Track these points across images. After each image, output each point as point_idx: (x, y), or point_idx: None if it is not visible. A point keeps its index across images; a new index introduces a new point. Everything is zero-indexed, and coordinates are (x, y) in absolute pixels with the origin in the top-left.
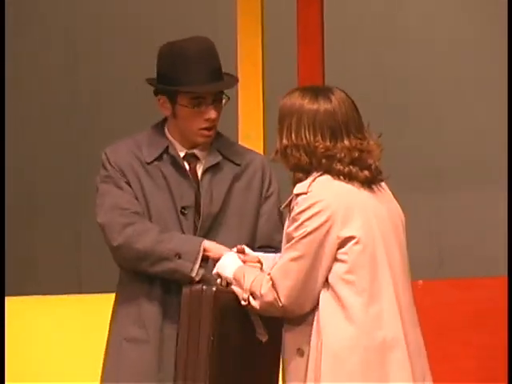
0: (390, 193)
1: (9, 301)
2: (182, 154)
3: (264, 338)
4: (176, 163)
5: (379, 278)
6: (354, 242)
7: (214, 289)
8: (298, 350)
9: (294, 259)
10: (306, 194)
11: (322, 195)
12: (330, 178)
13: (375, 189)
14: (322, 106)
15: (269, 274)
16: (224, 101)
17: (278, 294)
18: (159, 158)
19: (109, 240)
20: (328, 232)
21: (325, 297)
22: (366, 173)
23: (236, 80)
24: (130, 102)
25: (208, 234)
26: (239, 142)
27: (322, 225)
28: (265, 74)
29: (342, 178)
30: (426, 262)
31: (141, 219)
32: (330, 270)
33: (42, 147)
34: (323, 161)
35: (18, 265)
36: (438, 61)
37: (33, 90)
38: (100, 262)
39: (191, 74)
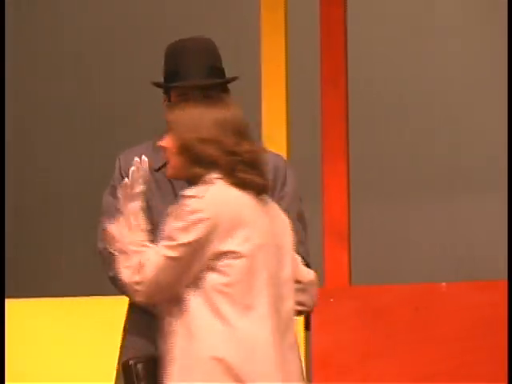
0: (275, 204)
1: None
2: None
3: None
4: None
5: (255, 291)
6: (235, 256)
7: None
8: None
9: (171, 259)
10: (199, 197)
11: (213, 203)
12: (225, 184)
13: (264, 199)
14: (223, 111)
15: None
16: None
17: (142, 278)
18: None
19: (105, 269)
20: (209, 243)
21: (197, 303)
22: (261, 180)
23: (226, 80)
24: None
25: None
26: (262, 143)
27: (205, 235)
28: (288, 75)
29: (238, 184)
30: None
31: None
32: (201, 278)
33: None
34: (227, 158)
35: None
36: (453, 65)
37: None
38: None
39: (181, 71)
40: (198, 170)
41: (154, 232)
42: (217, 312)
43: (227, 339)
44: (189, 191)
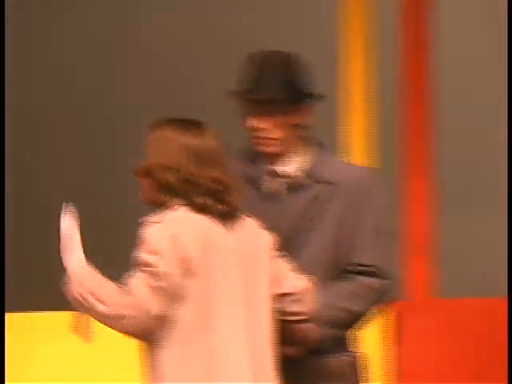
0: (253, 226)
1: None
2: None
3: None
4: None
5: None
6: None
7: None
8: None
9: (152, 288)
10: (160, 223)
11: (172, 230)
12: (187, 209)
13: (231, 224)
14: (193, 138)
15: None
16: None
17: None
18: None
19: None
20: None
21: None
22: (222, 207)
23: (282, 99)
24: None
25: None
26: (342, 156)
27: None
28: (368, 86)
29: (198, 210)
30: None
31: None
32: None
33: None
34: (188, 187)
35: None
36: None
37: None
38: None
39: (245, 82)
40: (162, 197)
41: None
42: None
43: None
44: (149, 218)
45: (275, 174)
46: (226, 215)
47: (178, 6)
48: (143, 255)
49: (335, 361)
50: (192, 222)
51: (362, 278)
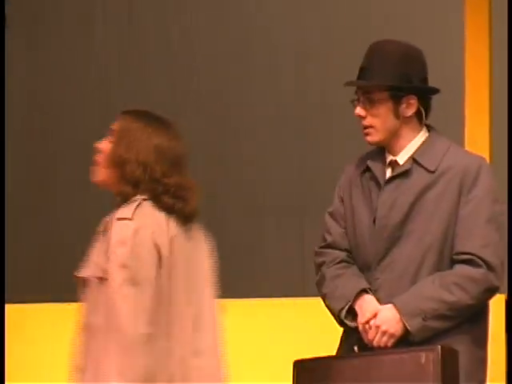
0: (200, 230)
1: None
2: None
3: None
4: (372, 172)
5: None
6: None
7: None
8: None
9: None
10: (129, 219)
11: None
12: (153, 206)
13: (190, 228)
14: (167, 139)
15: None
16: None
17: None
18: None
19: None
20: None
21: None
22: (186, 210)
23: (378, 84)
24: None
25: (391, 245)
26: (465, 148)
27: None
28: (492, 79)
29: (163, 208)
30: None
31: (331, 257)
32: None
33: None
34: (155, 185)
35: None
36: None
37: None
38: None
39: (361, 70)
40: (126, 188)
41: (354, 234)
42: None
43: None
44: (119, 214)
45: (389, 164)
46: (189, 217)
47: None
48: (118, 251)
49: (413, 356)
50: (161, 219)
51: (462, 268)
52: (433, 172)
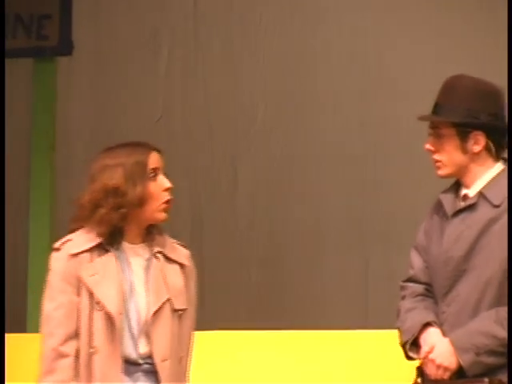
0: None
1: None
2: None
3: None
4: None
5: None
6: None
7: None
8: None
9: None
10: None
11: None
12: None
13: None
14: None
15: None
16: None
17: None
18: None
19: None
20: None
21: None
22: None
23: (444, 120)
24: None
25: (457, 279)
26: None
27: None
28: None
29: None
30: None
31: (410, 290)
32: None
33: None
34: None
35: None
36: None
37: None
38: (388, 295)
39: (435, 105)
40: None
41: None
42: None
43: None
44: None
45: (462, 197)
46: None
47: None
48: None
49: None
50: None
51: None
52: (498, 206)
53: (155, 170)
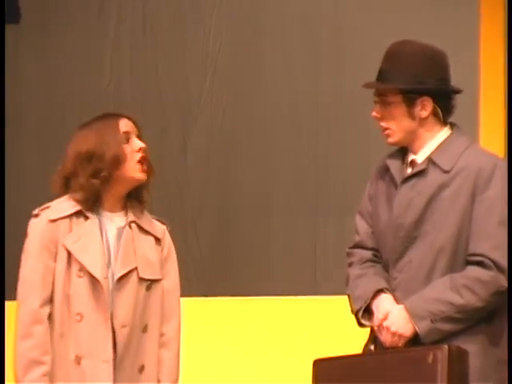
0: None
1: (244, 301)
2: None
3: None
4: (390, 171)
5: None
6: None
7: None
8: None
9: None
10: None
11: None
12: None
13: None
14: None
15: None
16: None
17: None
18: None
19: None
20: None
21: None
22: None
23: (390, 87)
24: None
25: (408, 245)
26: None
27: None
28: (507, 80)
29: None
30: None
31: (358, 257)
32: None
33: None
34: None
35: (252, 265)
36: None
37: None
38: (336, 263)
39: (379, 72)
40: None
41: (377, 233)
42: None
43: None
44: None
45: (410, 163)
46: None
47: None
48: None
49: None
50: None
51: (472, 269)
52: (448, 172)
53: (127, 134)
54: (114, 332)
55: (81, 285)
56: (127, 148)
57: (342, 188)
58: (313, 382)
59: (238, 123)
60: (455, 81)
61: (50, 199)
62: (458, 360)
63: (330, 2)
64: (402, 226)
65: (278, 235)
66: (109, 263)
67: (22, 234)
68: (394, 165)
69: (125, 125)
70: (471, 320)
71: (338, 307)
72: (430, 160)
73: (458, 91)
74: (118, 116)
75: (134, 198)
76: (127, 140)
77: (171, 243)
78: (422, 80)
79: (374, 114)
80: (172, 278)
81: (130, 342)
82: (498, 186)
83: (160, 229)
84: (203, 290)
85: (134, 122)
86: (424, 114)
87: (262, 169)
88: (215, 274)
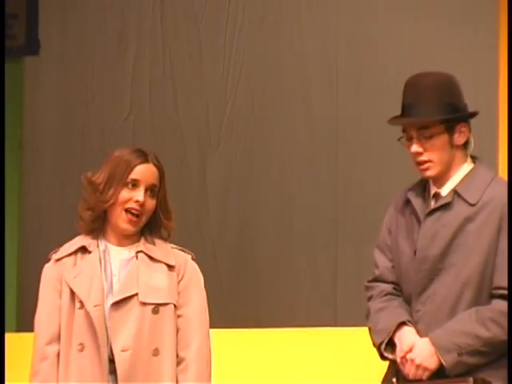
0: None
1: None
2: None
3: None
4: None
5: None
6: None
7: None
8: None
9: None
10: None
11: None
12: None
13: None
14: None
15: None
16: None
17: None
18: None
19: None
20: None
21: None
22: None
23: (435, 119)
24: None
25: (432, 277)
26: (499, 175)
27: None
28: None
29: None
30: None
31: (378, 290)
32: None
33: None
34: None
35: (272, 296)
36: None
37: None
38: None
39: (405, 107)
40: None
41: (399, 266)
42: None
43: None
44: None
45: (433, 196)
46: None
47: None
48: None
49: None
50: None
51: (498, 303)
52: (474, 205)
53: (135, 181)
54: (114, 357)
55: (81, 316)
56: (124, 194)
57: (362, 216)
58: None
59: (257, 153)
60: (474, 107)
61: (67, 234)
62: None
63: (348, 26)
64: (426, 258)
65: (298, 265)
66: (110, 293)
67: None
68: (415, 198)
69: (141, 172)
70: (496, 353)
71: (358, 338)
72: (455, 193)
73: (476, 115)
74: (144, 159)
75: (150, 230)
76: (133, 187)
77: (195, 272)
78: (456, 107)
79: (414, 149)
80: (193, 305)
81: (136, 365)
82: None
83: (179, 257)
84: (222, 321)
85: (159, 170)
86: (462, 140)
87: (281, 198)
88: (234, 305)
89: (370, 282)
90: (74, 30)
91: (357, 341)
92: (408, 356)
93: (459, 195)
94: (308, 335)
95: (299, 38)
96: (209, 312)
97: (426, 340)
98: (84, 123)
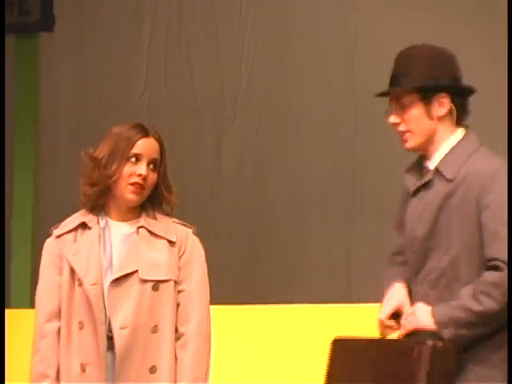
0: None
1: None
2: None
3: None
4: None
5: None
6: None
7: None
8: None
9: None
10: None
11: None
12: None
13: None
14: None
15: None
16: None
17: None
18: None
19: None
20: None
21: None
22: None
23: (405, 88)
24: None
25: (425, 257)
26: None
27: None
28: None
29: None
30: None
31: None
32: None
33: None
34: None
35: (286, 272)
36: None
37: None
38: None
39: (391, 77)
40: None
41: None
42: None
43: None
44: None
45: (422, 171)
46: None
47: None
48: None
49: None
50: None
51: (488, 274)
52: (451, 180)
53: (138, 156)
54: (112, 335)
55: (81, 294)
56: (127, 168)
57: (379, 192)
58: (328, 356)
59: (272, 128)
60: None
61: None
62: (443, 358)
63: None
64: (415, 239)
65: (313, 241)
66: (109, 270)
67: None
68: (409, 177)
69: (143, 146)
70: (493, 324)
71: (373, 315)
72: (436, 170)
73: (472, 90)
74: (144, 134)
75: (152, 205)
76: (135, 161)
77: (196, 247)
78: (436, 77)
79: (391, 119)
80: (194, 281)
81: (134, 342)
82: (498, 192)
83: (180, 232)
84: (237, 298)
85: (160, 145)
86: (442, 111)
87: (297, 173)
88: (249, 281)
89: (392, 255)
90: (88, 5)
91: (372, 317)
92: (412, 325)
93: (439, 172)
94: (322, 311)
95: (316, 12)
96: (223, 289)
97: (428, 308)
98: (99, 99)
